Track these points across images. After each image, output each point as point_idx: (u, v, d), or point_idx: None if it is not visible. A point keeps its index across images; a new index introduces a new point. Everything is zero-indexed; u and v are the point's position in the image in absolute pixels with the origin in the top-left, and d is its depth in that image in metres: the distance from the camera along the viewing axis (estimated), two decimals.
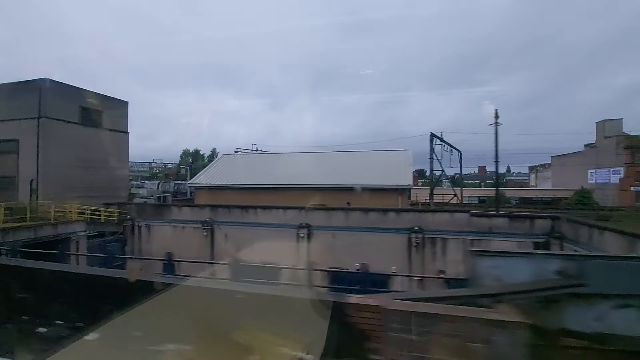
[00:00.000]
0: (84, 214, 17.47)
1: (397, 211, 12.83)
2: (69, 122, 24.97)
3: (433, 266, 11.41)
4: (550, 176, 60.57)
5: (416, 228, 11.70)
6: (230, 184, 17.94)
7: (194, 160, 54.60)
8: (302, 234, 12.44)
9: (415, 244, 11.67)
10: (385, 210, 12.82)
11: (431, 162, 22.91)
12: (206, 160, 54.56)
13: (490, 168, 61.72)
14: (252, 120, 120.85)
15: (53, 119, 23.76)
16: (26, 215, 14.14)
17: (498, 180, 24.61)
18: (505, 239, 11.17)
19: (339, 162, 19.32)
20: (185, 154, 56.90)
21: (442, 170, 23.86)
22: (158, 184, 51.84)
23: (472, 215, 11.84)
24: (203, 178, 18.27)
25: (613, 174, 40.82)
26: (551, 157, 59.71)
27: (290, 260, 12.77)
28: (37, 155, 23.13)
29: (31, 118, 23.34)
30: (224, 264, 11.57)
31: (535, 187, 61.39)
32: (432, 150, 22.94)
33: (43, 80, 23.38)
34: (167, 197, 25.86)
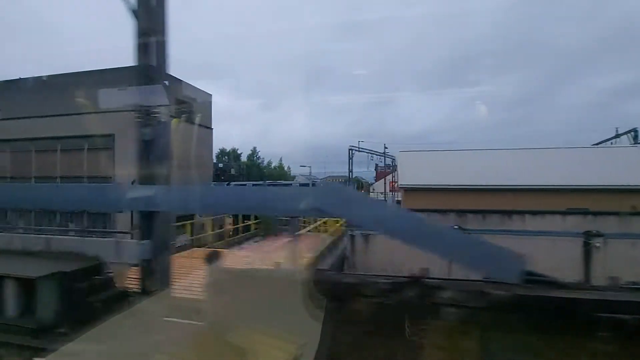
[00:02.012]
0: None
1: None
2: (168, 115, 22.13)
3: None
4: None
5: None
6: (474, 185, 15.60)
7: (232, 160, 51.64)
8: (597, 244, 10.41)
9: None
10: None
11: None
12: (247, 160, 51.82)
13: None
14: (244, 119, 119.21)
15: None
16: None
17: None
18: None
19: (563, 160, 17.21)
20: (222, 153, 53.84)
21: None
22: None
23: None
24: (413, 178, 15.88)
25: None
26: None
27: (573, 274, 10.68)
28: (140, 152, 20.19)
29: (131, 110, 20.40)
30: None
31: None
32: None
33: (144, 66, 20.44)
34: None
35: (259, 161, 52.88)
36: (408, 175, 15.49)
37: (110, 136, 20.53)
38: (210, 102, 26.74)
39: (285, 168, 55.37)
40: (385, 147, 27.82)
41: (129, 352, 3.48)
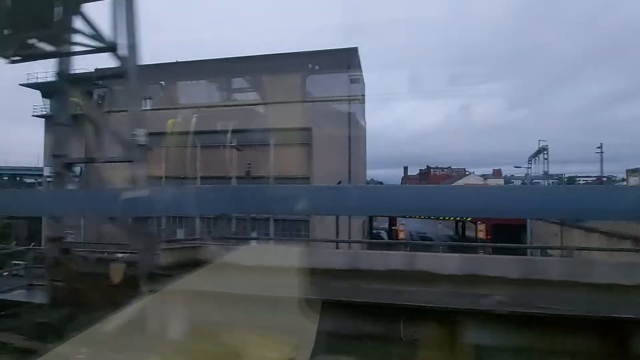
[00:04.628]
0: None
1: None
2: None
3: None
4: None
5: None
6: None
7: None
8: None
9: None
10: None
11: None
12: None
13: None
14: None
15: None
16: None
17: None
18: None
19: None
20: None
21: None
22: None
23: None
24: None
25: None
26: None
27: None
28: (349, 149, 17.67)
29: (336, 100, 17.84)
30: None
31: None
32: None
33: (353, 50, 17.92)
34: None
35: None
36: None
37: (307, 130, 17.79)
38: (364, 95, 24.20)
39: None
40: (600, 148, 24.22)
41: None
